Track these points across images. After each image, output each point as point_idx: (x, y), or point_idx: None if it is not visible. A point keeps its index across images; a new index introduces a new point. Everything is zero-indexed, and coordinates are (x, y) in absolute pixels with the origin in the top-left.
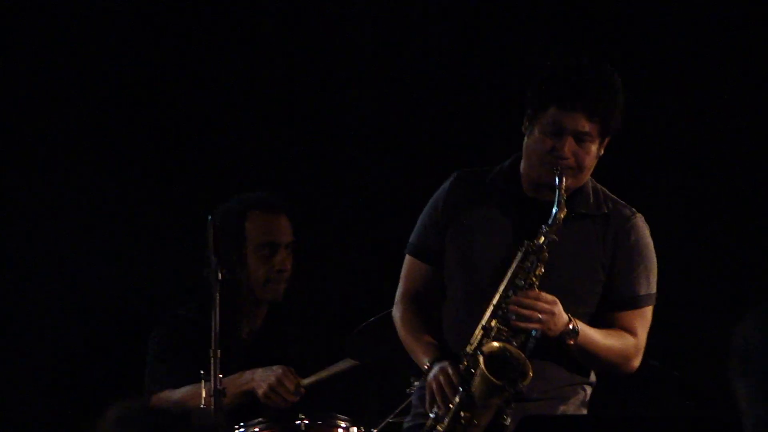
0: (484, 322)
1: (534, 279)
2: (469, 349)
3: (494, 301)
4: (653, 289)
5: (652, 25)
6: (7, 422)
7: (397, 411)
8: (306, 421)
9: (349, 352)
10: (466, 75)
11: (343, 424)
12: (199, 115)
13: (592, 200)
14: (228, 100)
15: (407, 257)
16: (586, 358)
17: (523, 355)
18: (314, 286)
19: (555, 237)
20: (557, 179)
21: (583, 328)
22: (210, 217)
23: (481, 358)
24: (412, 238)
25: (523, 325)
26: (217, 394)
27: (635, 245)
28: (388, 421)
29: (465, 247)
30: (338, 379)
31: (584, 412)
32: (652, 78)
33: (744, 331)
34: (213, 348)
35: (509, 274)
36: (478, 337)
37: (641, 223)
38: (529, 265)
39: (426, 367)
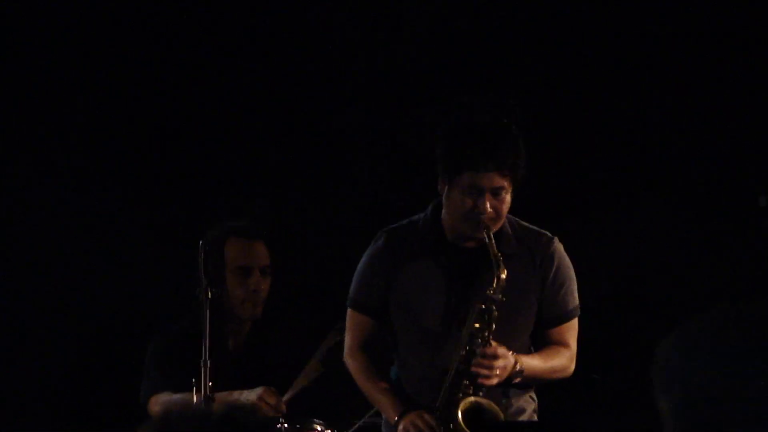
0: (450, 379)
1: (488, 335)
2: (439, 403)
3: (457, 361)
4: (577, 300)
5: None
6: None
7: (365, 417)
8: (286, 425)
9: (324, 364)
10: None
11: (318, 428)
12: (192, 146)
13: (513, 240)
14: (219, 130)
15: (350, 311)
16: (534, 381)
17: (495, 405)
18: (293, 305)
19: (501, 297)
20: (487, 238)
21: (527, 364)
22: (201, 242)
23: (459, 413)
24: (352, 293)
25: (486, 382)
26: (207, 400)
27: (559, 269)
28: (358, 426)
29: (408, 301)
30: (312, 387)
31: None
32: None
33: (665, 351)
34: (203, 359)
35: (465, 335)
36: (447, 392)
37: (558, 246)
38: (481, 325)
39: (395, 419)
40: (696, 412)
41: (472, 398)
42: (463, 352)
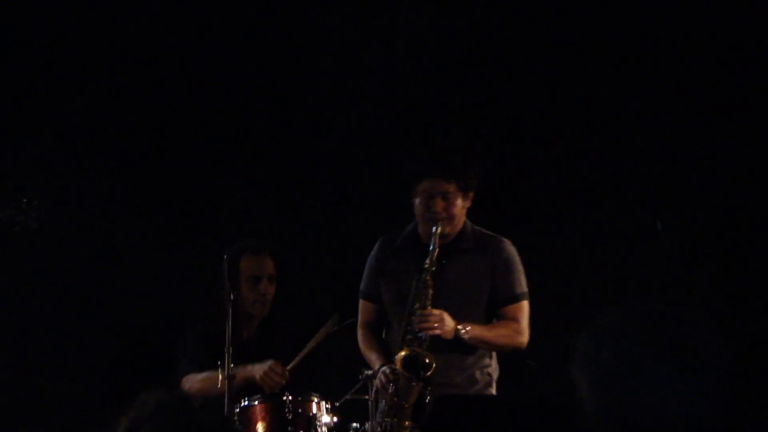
0: (400, 336)
1: (426, 299)
2: (394, 354)
3: (404, 321)
4: (525, 288)
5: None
6: (53, 413)
7: (352, 390)
8: (290, 397)
9: (320, 349)
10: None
11: (315, 399)
12: (216, 178)
13: (471, 238)
14: (236, 169)
15: (360, 300)
16: (483, 345)
17: (426, 353)
18: (293, 304)
19: (433, 269)
20: (435, 229)
21: (471, 328)
22: (225, 257)
23: (397, 362)
24: (361, 286)
25: (424, 332)
26: (230, 378)
27: (506, 260)
28: (346, 398)
29: (390, 288)
30: (312, 367)
31: (491, 392)
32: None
33: (584, 339)
34: (227, 346)
35: (410, 300)
36: (398, 346)
37: (507, 244)
38: (420, 291)
39: (376, 369)
40: (604, 387)
41: (404, 351)
42: (408, 312)
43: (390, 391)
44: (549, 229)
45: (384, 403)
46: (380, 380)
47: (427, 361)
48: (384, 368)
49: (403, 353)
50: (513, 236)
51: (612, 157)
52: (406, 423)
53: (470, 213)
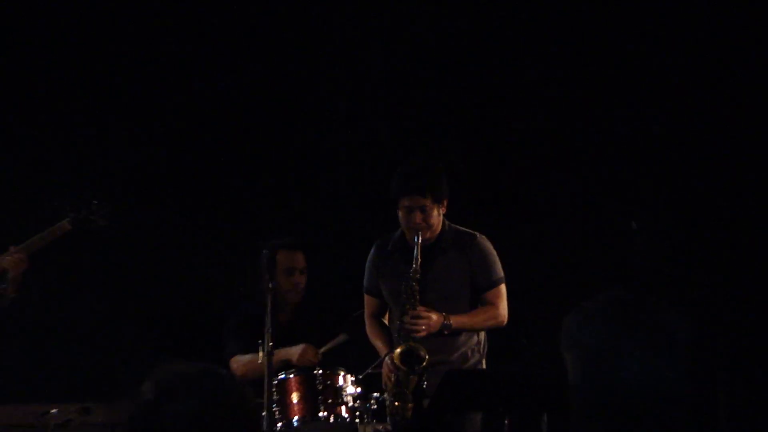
0: (395, 333)
1: (414, 301)
2: (393, 348)
3: (397, 320)
4: (500, 274)
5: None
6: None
7: (373, 366)
8: (320, 371)
9: (345, 330)
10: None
11: (342, 373)
12: (251, 184)
13: (450, 238)
14: (270, 176)
15: (365, 295)
16: (466, 329)
17: (420, 347)
18: (322, 292)
19: (418, 276)
20: (416, 239)
21: (454, 320)
22: (264, 251)
23: (395, 357)
24: (364, 283)
25: (415, 333)
26: (269, 355)
27: (481, 253)
28: (368, 372)
29: (387, 286)
30: (340, 348)
31: (482, 366)
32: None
33: (570, 322)
34: (266, 328)
35: (401, 302)
36: (395, 342)
37: (481, 239)
38: (408, 295)
39: (383, 355)
40: (588, 364)
41: (399, 348)
42: (401, 312)
43: (392, 380)
44: (547, 227)
45: (389, 388)
46: (385, 368)
47: (421, 353)
48: (387, 358)
49: (399, 349)
50: (512, 233)
51: (607, 160)
52: (410, 405)
53: (470, 213)
